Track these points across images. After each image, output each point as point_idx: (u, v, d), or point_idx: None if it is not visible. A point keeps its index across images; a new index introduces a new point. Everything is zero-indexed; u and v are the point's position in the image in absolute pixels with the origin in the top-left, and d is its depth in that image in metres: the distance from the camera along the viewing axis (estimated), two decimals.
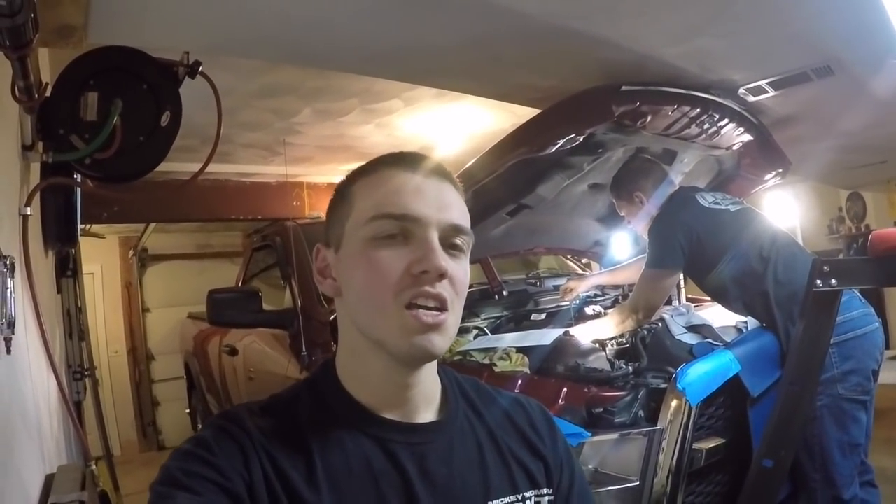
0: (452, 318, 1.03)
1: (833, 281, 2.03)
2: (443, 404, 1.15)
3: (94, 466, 2.72)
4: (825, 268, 2.04)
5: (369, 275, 1.03)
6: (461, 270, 1.05)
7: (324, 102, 4.37)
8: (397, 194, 1.04)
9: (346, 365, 1.11)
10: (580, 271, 5.01)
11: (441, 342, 1.01)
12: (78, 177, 2.44)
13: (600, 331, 3.05)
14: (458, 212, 1.07)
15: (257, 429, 1.00)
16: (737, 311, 3.14)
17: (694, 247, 3.03)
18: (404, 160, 1.10)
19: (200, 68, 2.46)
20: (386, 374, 1.06)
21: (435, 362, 1.13)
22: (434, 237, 1.02)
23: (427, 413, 1.12)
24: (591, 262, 5.22)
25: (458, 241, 1.06)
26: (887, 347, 3.61)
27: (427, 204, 1.03)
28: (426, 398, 1.12)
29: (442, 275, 1.00)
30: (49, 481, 2.00)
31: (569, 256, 5.06)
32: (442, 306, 1.00)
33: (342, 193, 1.12)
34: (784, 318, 2.83)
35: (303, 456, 1.00)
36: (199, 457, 0.95)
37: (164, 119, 2.41)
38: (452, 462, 1.08)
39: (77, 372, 3.86)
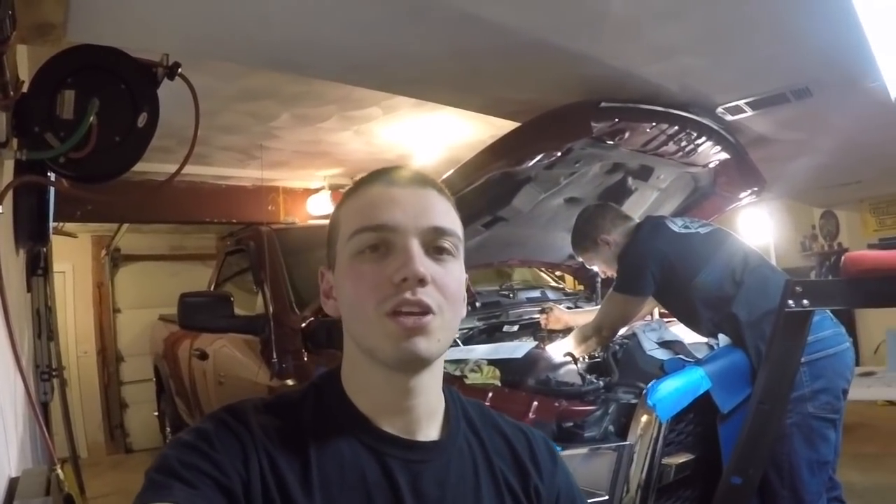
0: (439, 321, 1.02)
1: (805, 301, 2.05)
2: (444, 424, 1.14)
3: (59, 470, 2.69)
4: (797, 288, 2.05)
5: (354, 287, 1.04)
6: (449, 274, 1.05)
7: (302, 108, 4.36)
8: (374, 207, 1.05)
9: (349, 376, 1.11)
10: (554, 284, 5.02)
11: (427, 345, 1.00)
12: (52, 175, 2.42)
13: (564, 349, 3.05)
14: (440, 215, 1.07)
15: (260, 427, 1.00)
16: (706, 334, 3.15)
17: (665, 273, 3.05)
18: (382, 174, 1.11)
19: (179, 70, 2.45)
20: (385, 383, 1.06)
21: (439, 377, 1.13)
22: (413, 244, 1.02)
23: (429, 431, 1.11)
24: (565, 276, 5.24)
25: (444, 244, 1.06)
26: (857, 364, 3.63)
27: (404, 212, 1.04)
28: (428, 413, 1.11)
29: (422, 280, 1.00)
30: (13, 485, 1.97)
31: (543, 269, 5.06)
32: (425, 311, 1.00)
33: (333, 217, 1.15)
34: (755, 338, 2.84)
35: (301, 460, 1.00)
36: (199, 449, 0.94)
37: (141, 120, 2.39)
38: (447, 484, 1.07)
39: (45, 372, 3.81)
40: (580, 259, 3.56)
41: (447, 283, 1.04)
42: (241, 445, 0.97)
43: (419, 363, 1.03)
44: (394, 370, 1.04)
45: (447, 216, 1.09)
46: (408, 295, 0.99)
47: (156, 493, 0.88)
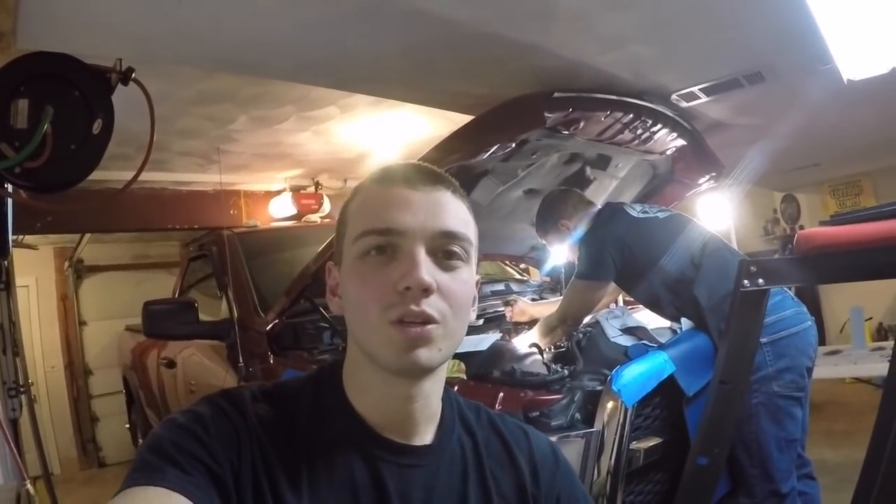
0: (442, 331, 1.00)
1: (760, 280, 2.07)
2: (438, 427, 1.13)
3: (28, 485, 2.67)
4: (752, 268, 2.07)
5: (358, 291, 1.02)
6: (456, 281, 1.03)
7: (260, 110, 4.33)
8: (382, 208, 1.03)
9: (350, 375, 1.10)
10: (518, 276, 5.03)
11: (428, 354, 1.00)
12: (9, 187, 2.39)
13: (529, 340, 3.08)
14: (451, 218, 1.05)
15: (256, 417, 1.00)
16: (669, 318, 3.18)
17: (625, 258, 3.08)
18: (393, 171, 1.09)
19: (133, 75, 2.43)
20: (385, 387, 1.05)
21: (441, 382, 1.12)
22: (419, 251, 1.00)
23: (424, 435, 1.10)
24: (530, 268, 5.26)
25: (454, 248, 1.04)
26: (823, 344, 3.65)
27: (413, 215, 1.02)
28: (427, 418, 1.11)
29: (426, 290, 0.98)
30: None
31: (507, 262, 5.07)
32: (428, 321, 0.98)
33: (342, 212, 1.13)
34: (716, 320, 2.87)
35: (292, 454, 0.99)
36: (194, 434, 0.94)
37: (96, 127, 2.38)
38: (434, 490, 1.07)
39: (12, 389, 3.77)
40: (543, 242, 3.58)
41: (453, 290, 1.02)
42: (236, 433, 0.96)
43: (419, 372, 1.03)
44: (394, 375, 1.03)
45: (459, 219, 1.06)
46: (412, 306, 0.98)
47: (148, 475, 0.88)
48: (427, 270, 0.99)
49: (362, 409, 1.07)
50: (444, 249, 1.03)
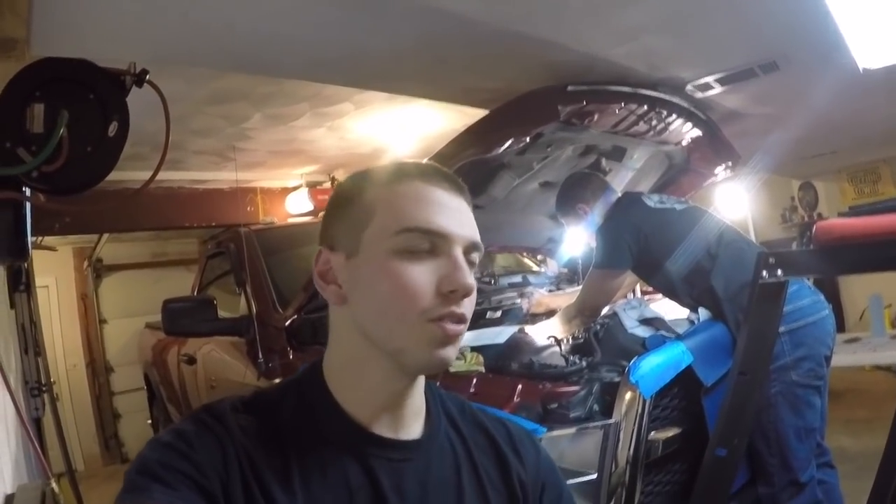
0: (464, 331, 1.04)
1: (779, 272, 2.06)
2: (425, 421, 1.14)
3: (54, 484, 2.70)
4: (771, 259, 2.07)
5: (395, 288, 1.00)
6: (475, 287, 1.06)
7: (274, 107, 4.35)
8: (425, 208, 1.03)
9: (338, 373, 1.09)
10: (535, 268, 5.04)
11: (454, 353, 1.02)
12: (27, 190, 2.41)
13: (547, 331, 3.07)
14: (475, 229, 1.08)
15: (239, 427, 0.99)
16: (687, 307, 3.19)
17: (642, 247, 3.08)
18: (427, 173, 1.08)
19: (147, 76, 2.44)
20: (384, 383, 1.05)
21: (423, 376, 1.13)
22: (461, 254, 1.02)
23: (412, 429, 1.11)
24: (547, 259, 5.26)
25: (475, 258, 1.07)
26: (842, 331, 3.61)
27: (452, 220, 1.03)
28: (414, 412, 1.11)
29: (467, 294, 1.01)
30: (9, 501, 1.99)
31: (524, 253, 5.08)
32: (462, 321, 1.02)
33: (353, 198, 1.08)
34: (734, 310, 2.87)
35: (281, 460, 0.99)
36: (178, 450, 0.94)
37: (112, 129, 2.39)
38: (428, 482, 1.07)
39: (34, 388, 3.79)
40: (562, 221, 3.59)
41: (474, 297, 1.05)
42: (220, 445, 0.96)
43: (441, 369, 1.04)
44: (405, 373, 1.04)
45: (476, 230, 1.09)
46: (454, 308, 1.00)
47: (135, 496, 0.89)
48: (470, 274, 1.02)
49: (350, 406, 1.06)
50: (469, 257, 1.06)
